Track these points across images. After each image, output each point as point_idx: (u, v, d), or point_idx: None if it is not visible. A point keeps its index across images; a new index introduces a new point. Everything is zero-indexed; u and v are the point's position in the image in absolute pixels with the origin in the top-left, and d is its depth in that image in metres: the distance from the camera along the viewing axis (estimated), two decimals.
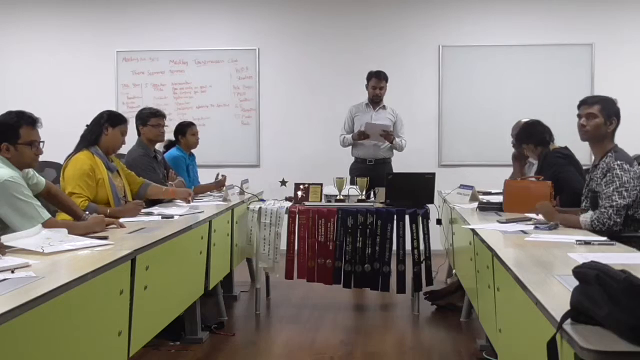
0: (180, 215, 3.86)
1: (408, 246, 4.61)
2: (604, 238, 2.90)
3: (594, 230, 3.16)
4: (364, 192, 4.90)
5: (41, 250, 2.52)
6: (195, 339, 3.96)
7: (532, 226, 3.24)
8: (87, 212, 3.53)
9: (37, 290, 1.94)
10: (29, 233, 2.73)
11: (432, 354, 3.86)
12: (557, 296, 1.80)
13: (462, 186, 4.85)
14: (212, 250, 4.03)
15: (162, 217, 3.76)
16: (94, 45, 7.29)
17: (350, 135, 6.12)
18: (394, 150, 6.15)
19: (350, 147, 6.19)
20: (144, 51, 7.26)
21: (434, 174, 4.77)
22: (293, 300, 5.08)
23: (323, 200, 4.84)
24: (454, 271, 5.11)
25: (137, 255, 2.67)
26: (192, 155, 5.65)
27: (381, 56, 6.84)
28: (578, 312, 1.56)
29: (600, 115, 3.32)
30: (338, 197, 4.82)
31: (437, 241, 5.20)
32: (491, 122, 6.92)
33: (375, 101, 6.11)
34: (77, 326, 2.18)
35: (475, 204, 4.29)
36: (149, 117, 4.82)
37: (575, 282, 1.63)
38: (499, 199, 4.32)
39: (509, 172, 5.02)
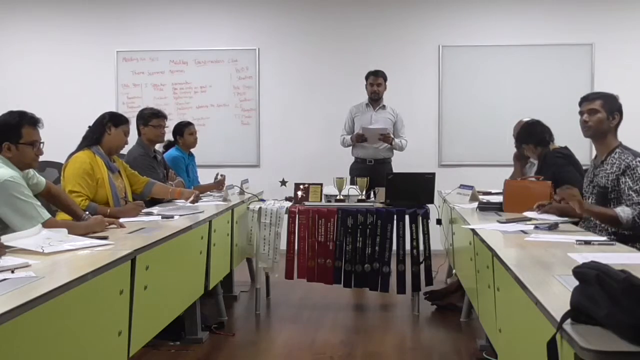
0: (180, 216, 3.86)
1: (408, 246, 4.61)
2: (604, 238, 2.90)
3: (634, 226, 3.15)
4: (364, 192, 4.90)
5: (41, 250, 2.52)
6: (195, 339, 3.96)
7: (532, 226, 3.24)
8: (87, 212, 3.53)
9: (37, 290, 1.94)
10: (29, 233, 2.73)
11: (432, 354, 3.86)
12: (557, 296, 1.80)
13: (462, 186, 4.85)
14: (212, 250, 4.03)
15: (162, 217, 3.76)
16: (94, 45, 7.29)
17: (349, 137, 6.13)
18: (395, 150, 6.15)
19: (351, 147, 6.20)
20: (144, 51, 7.26)
21: (434, 174, 4.77)
22: (293, 300, 5.08)
23: (323, 200, 4.84)
24: (454, 271, 5.11)
25: (137, 255, 2.67)
26: (191, 155, 5.65)
27: (381, 56, 6.83)
28: (578, 312, 1.56)
29: (602, 111, 3.30)
30: (338, 197, 4.82)
31: (437, 241, 5.20)
32: (491, 122, 6.92)
33: (374, 99, 6.12)
34: (77, 326, 2.18)
35: (475, 204, 4.29)
36: (151, 118, 4.83)
37: (575, 282, 1.63)
38: (499, 199, 4.32)
39: (509, 172, 5.02)
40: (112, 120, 4.09)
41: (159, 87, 7.29)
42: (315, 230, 4.65)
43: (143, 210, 3.93)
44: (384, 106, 6.16)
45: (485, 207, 4.13)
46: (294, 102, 7.22)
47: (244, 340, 4.16)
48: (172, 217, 3.79)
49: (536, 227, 3.20)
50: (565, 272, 1.98)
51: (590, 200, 3.45)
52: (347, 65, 7.04)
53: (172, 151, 5.46)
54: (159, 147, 5.30)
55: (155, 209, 4.10)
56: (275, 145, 7.22)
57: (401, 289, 4.69)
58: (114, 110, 5.34)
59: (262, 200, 5.09)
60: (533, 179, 4.15)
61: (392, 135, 6.03)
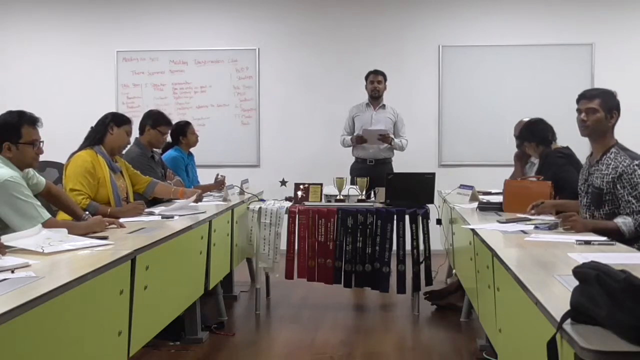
0: (180, 216, 3.86)
1: (408, 246, 4.61)
2: (604, 238, 2.89)
3: (636, 233, 3.11)
4: (364, 192, 4.90)
5: (41, 250, 2.52)
6: (195, 339, 3.96)
7: (532, 226, 3.24)
8: (87, 212, 3.53)
9: (37, 290, 1.94)
10: (29, 233, 2.73)
11: (432, 354, 3.86)
12: (557, 296, 1.80)
13: (462, 186, 4.85)
14: (212, 250, 4.03)
15: (162, 217, 3.76)
16: (94, 45, 7.29)
17: (349, 138, 6.13)
18: (395, 150, 6.15)
19: (351, 147, 6.20)
20: (144, 51, 7.25)
21: (434, 174, 4.77)
22: (293, 300, 5.08)
23: (323, 200, 4.84)
24: (454, 271, 5.11)
25: (137, 255, 2.67)
26: (190, 155, 5.64)
27: (381, 56, 6.84)
28: (578, 312, 1.56)
29: (601, 110, 3.25)
30: (338, 197, 4.82)
31: (437, 241, 5.20)
32: (491, 122, 6.92)
33: (374, 97, 6.13)
34: (77, 326, 2.18)
35: (475, 204, 4.29)
36: (161, 124, 4.80)
37: (575, 282, 1.63)
38: (499, 199, 4.32)
39: (509, 172, 5.02)
40: (115, 121, 4.09)
41: (159, 87, 7.29)
42: (315, 230, 4.65)
43: (145, 210, 3.93)
44: (384, 106, 6.16)
45: (485, 207, 4.13)
46: (294, 102, 7.22)
47: (244, 340, 4.16)
48: (172, 217, 3.79)
49: (536, 227, 3.20)
50: (565, 272, 1.98)
51: (584, 200, 3.44)
52: (347, 65, 7.04)
53: (172, 152, 5.46)
54: None
55: (156, 209, 4.10)
56: (275, 145, 7.22)
57: (401, 289, 4.69)
58: (114, 110, 5.35)
59: (262, 200, 5.09)
60: (533, 179, 4.15)
61: (391, 136, 6.03)
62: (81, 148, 4.01)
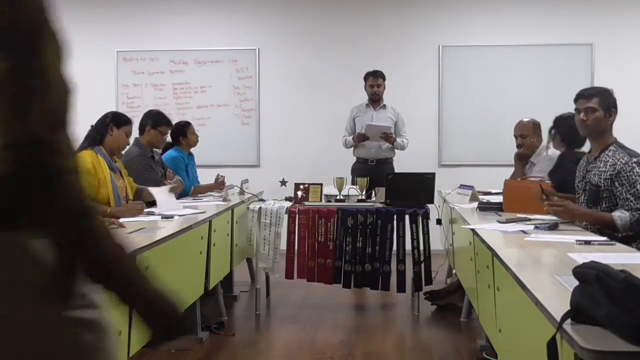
0: (180, 216, 3.86)
1: (408, 246, 4.61)
2: (604, 238, 2.89)
3: (631, 230, 3.13)
4: (364, 192, 4.90)
5: None
6: (195, 339, 3.96)
7: (532, 226, 3.24)
8: None
9: None
10: None
11: (432, 354, 3.86)
12: (557, 296, 1.80)
13: (462, 186, 4.85)
14: (212, 250, 4.03)
15: (162, 217, 3.76)
16: (94, 45, 7.28)
17: (351, 137, 6.13)
18: (396, 150, 6.15)
19: (353, 147, 6.19)
20: (144, 51, 7.26)
21: (434, 174, 4.77)
22: (293, 300, 5.08)
23: (323, 200, 4.84)
24: (454, 271, 5.12)
25: (137, 255, 2.67)
26: (191, 155, 5.64)
27: (381, 56, 6.84)
28: (578, 312, 1.56)
29: (600, 109, 3.26)
30: (338, 197, 4.82)
31: (437, 241, 5.20)
32: (491, 122, 6.92)
33: (374, 100, 6.12)
34: None
35: (475, 204, 4.29)
36: (161, 124, 4.80)
37: (575, 282, 1.63)
38: (499, 199, 4.32)
39: (509, 172, 5.02)
40: (114, 121, 4.09)
41: (159, 87, 7.29)
42: (315, 230, 4.65)
43: (145, 210, 3.93)
44: (384, 106, 6.16)
45: (485, 207, 4.13)
46: (294, 102, 7.22)
47: (244, 340, 4.16)
48: (172, 217, 3.79)
49: (536, 227, 3.20)
50: (565, 272, 1.98)
51: (582, 197, 3.43)
52: (347, 65, 7.04)
53: (172, 152, 5.46)
54: None
55: (155, 209, 4.10)
56: (275, 145, 7.22)
57: (401, 289, 4.69)
58: (114, 110, 5.33)
59: (262, 200, 5.10)
60: (533, 178, 4.15)
61: (394, 135, 6.03)
62: (81, 148, 4.00)
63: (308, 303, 5.02)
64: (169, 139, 5.54)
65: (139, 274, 1.29)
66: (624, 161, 3.20)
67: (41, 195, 1.08)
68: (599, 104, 3.27)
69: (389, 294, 4.89)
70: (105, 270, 1.18)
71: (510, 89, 6.97)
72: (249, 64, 7.22)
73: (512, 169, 4.99)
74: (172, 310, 1.34)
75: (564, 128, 4.33)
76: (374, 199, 4.87)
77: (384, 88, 6.16)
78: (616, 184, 3.20)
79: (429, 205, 4.76)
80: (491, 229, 3.22)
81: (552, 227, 3.17)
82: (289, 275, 4.78)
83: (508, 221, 3.44)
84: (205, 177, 5.84)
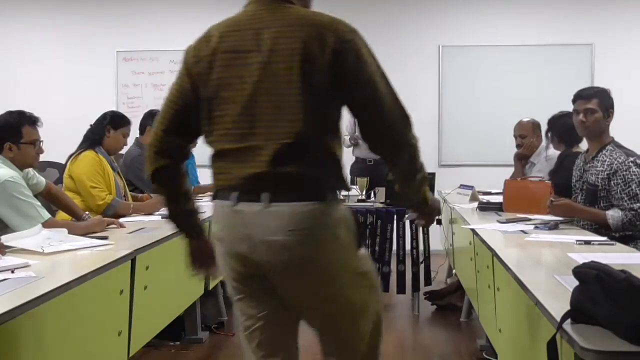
0: None
1: (408, 246, 4.61)
2: (604, 238, 2.90)
3: (623, 229, 3.14)
4: (364, 192, 4.90)
5: (41, 250, 2.52)
6: (195, 339, 3.96)
7: (532, 226, 3.24)
8: (87, 213, 3.52)
9: (37, 290, 1.94)
10: (29, 233, 2.73)
11: (432, 354, 3.86)
12: (557, 296, 1.80)
13: (462, 186, 4.85)
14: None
15: (162, 217, 3.76)
16: (94, 45, 7.28)
17: (348, 138, 6.12)
18: None
19: (352, 147, 6.19)
20: (144, 51, 7.25)
21: (434, 174, 4.76)
22: None
23: None
24: (454, 271, 5.11)
25: (137, 255, 2.67)
26: (191, 155, 5.63)
27: (381, 56, 6.71)
28: (578, 312, 1.56)
29: (599, 110, 3.26)
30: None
31: (437, 241, 5.19)
32: (491, 122, 6.91)
33: None
34: (77, 326, 2.18)
35: (475, 204, 4.29)
36: None
37: (575, 282, 1.63)
38: (499, 199, 4.31)
39: (509, 172, 5.01)
40: (112, 123, 4.09)
41: (159, 87, 7.28)
42: None
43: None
44: None
45: (485, 207, 4.13)
46: None
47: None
48: None
49: (536, 227, 3.20)
50: (565, 272, 1.98)
51: (579, 197, 3.43)
52: None
53: None
54: None
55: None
56: None
57: (401, 289, 4.68)
58: (113, 110, 5.32)
59: None
60: (533, 178, 4.15)
61: None
62: (80, 148, 4.00)
63: None
64: None
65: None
66: (620, 160, 3.20)
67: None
68: (598, 105, 3.27)
69: (388, 294, 4.89)
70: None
71: (510, 89, 6.97)
72: None
73: (512, 169, 4.99)
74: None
75: (559, 128, 4.33)
76: (373, 199, 4.87)
77: None
78: (612, 183, 3.20)
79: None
80: (491, 229, 3.22)
81: (552, 227, 3.17)
82: None
83: (508, 221, 3.44)
84: (205, 177, 5.82)
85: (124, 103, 7.23)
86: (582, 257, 2.32)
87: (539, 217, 3.47)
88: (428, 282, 4.78)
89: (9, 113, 3.11)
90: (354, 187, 5.01)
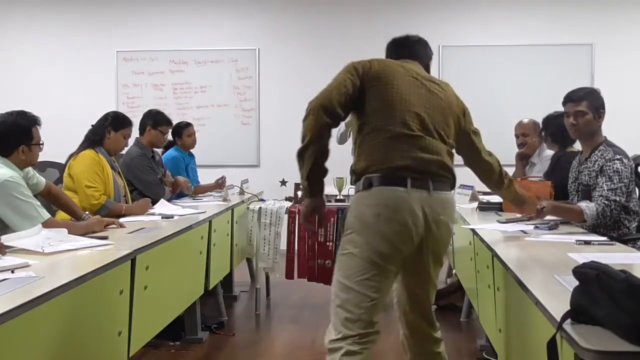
0: (180, 216, 3.86)
1: None
2: (604, 238, 2.90)
3: (597, 220, 3.14)
4: None
5: (41, 250, 2.52)
6: (195, 339, 3.97)
7: (532, 226, 3.24)
8: (87, 213, 3.52)
9: (37, 290, 1.94)
10: (29, 233, 2.73)
11: None
12: (557, 296, 1.80)
13: (462, 186, 4.84)
14: (212, 250, 4.03)
15: (162, 217, 3.77)
16: (94, 45, 7.29)
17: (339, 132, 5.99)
18: None
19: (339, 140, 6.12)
20: (144, 51, 7.26)
21: None
22: (293, 300, 5.08)
23: None
24: (454, 271, 5.11)
25: (137, 255, 2.67)
26: (191, 155, 5.64)
27: (381, 56, 6.80)
28: (578, 312, 1.56)
29: (589, 112, 3.26)
30: (338, 197, 4.82)
31: None
32: (491, 122, 6.88)
33: None
34: (77, 326, 2.18)
35: (475, 204, 4.29)
36: (162, 124, 4.78)
37: (575, 282, 1.63)
38: (499, 199, 4.31)
39: (509, 171, 4.96)
40: (113, 124, 4.10)
41: (159, 87, 7.29)
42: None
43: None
44: None
45: (485, 207, 4.13)
46: (294, 102, 7.19)
47: (244, 340, 4.16)
48: (172, 217, 3.79)
49: (536, 227, 3.20)
50: (565, 272, 1.98)
51: (575, 198, 3.44)
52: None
53: (172, 151, 5.45)
54: None
55: (155, 209, 4.10)
56: (275, 145, 7.21)
57: None
58: (115, 110, 5.32)
59: (262, 200, 5.09)
60: (533, 178, 4.14)
61: None
62: (81, 148, 4.01)
63: (308, 303, 5.02)
64: (170, 137, 5.53)
65: None
66: (607, 157, 3.23)
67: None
68: (587, 106, 3.27)
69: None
70: None
71: (510, 89, 6.97)
72: (249, 64, 7.22)
73: (513, 169, 4.98)
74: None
75: (553, 128, 4.33)
76: None
77: None
78: (599, 177, 3.22)
79: None
80: (491, 229, 3.22)
81: (552, 227, 3.17)
82: (289, 275, 4.78)
83: (508, 221, 3.44)
84: (205, 177, 5.84)
85: (124, 103, 7.23)
86: (582, 257, 2.32)
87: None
88: None
89: (18, 115, 3.08)
90: (354, 187, 5.00)
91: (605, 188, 3.16)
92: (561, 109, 3.63)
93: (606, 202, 3.12)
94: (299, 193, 4.87)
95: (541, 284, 1.99)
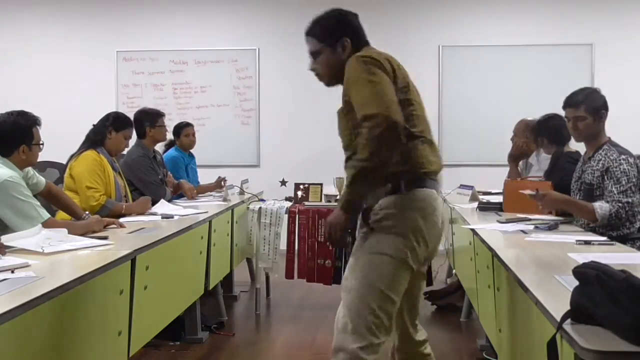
0: (181, 216, 3.86)
1: None
2: (604, 238, 2.90)
3: (608, 222, 3.15)
4: None
5: (41, 250, 2.52)
6: (195, 339, 3.96)
7: (532, 226, 3.24)
8: (87, 212, 3.52)
9: (37, 290, 1.94)
10: (29, 233, 2.73)
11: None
12: (557, 296, 1.80)
13: (462, 186, 4.85)
14: (212, 250, 4.03)
15: (162, 217, 3.76)
16: (94, 45, 7.29)
17: None
18: None
19: None
20: (144, 51, 7.26)
21: None
22: (293, 300, 5.08)
23: (323, 200, 4.84)
24: (454, 271, 5.11)
25: (137, 255, 2.67)
26: (191, 156, 5.64)
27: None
28: (578, 312, 1.56)
29: (588, 116, 3.29)
30: (338, 197, 4.82)
31: None
32: (491, 122, 6.91)
33: None
34: (77, 326, 2.18)
35: (475, 204, 4.29)
36: (157, 118, 4.76)
37: (575, 282, 1.63)
38: (499, 199, 4.31)
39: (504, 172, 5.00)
40: (114, 125, 4.10)
41: (159, 87, 7.29)
42: (315, 231, 4.65)
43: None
44: None
45: (485, 207, 4.13)
46: (294, 102, 7.22)
47: (244, 340, 4.16)
48: (172, 217, 3.79)
49: (536, 227, 3.20)
50: (565, 272, 1.98)
51: (577, 196, 3.45)
52: None
53: (172, 151, 5.45)
54: (159, 146, 5.26)
55: (155, 209, 4.09)
56: (275, 145, 7.21)
57: None
58: (114, 110, 5.32)
59: (262, 200, 5.09)
60: (533, 179, 4.15)
61: None
62: (82, 148, 4.01)
63: (308, 303, 5.02)
64: (170, 136, 5.52)
65: None
66: (612, 158, 3.25)
67: None
68: (586, 111, 3.30)
69: None
70: None
71: (510, 89, 6.97)
72: (249, 64, 7.22)
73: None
74: None
75: (547, 130, 4.36)
76: None
77: None
78: (605, 178, 3.23)
79: None
80: (491, 229, 3.22)
81: (552, 227, 3.17)
82: (289, 275, 4.78)
83: (508, 221, 3.44)
84: (205, 177, 5.84)
85: (124, 103, 7.23)
86: (582, 257, 2.32)
87: (539, 217, 3.47)
88: (429, 282, 4.77)
89: (16, 115, 3.09)
90: None
91: (616, 191, 3.17)
92: (552, 110, 3.65)
93: (620, 204, 3.14)
94: (299, 193, 4.88)
95: (541, 284, 1.99)
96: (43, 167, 5.01)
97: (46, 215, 3.03)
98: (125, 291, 2.58)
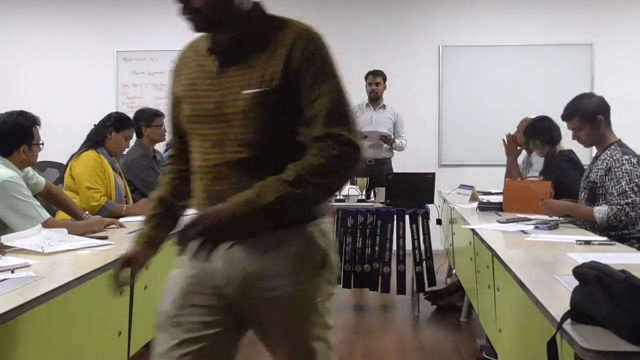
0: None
1: (408, 246, 4.60)
2: (604, 238, 2.90)
3: (608, 225, 3.16)
4: (364, 192, 4.90)
5: (41, 250, 2.52)
6: None
7: (532, 226, 3.24)
8: (87, 213, 3.52)
9: (37, 290, 1.94)
10: (29, 233, 2.73)
11: (432, 354, 3.86)
12: (557, 296, 1.80)
13: (462, 186, 4.85)
14: None
15: None
16: (94, 45, 7.28)
17: None
18: (395, 150, 6.15)
19: None
20: (144, 51, 7.25)
21: (434, 174, 4.77)
22: None
23: None
24: (454, 271, 5.11)
25: None
26: None
27: (381, 56, 6.82)
28: (578, 312, 1.56)
29: (583, 125, 3.37)
30: (338, 197, 4.82)
31: (437, 241, 5.19)
32: (491, 122, 6.91)
33: (373, 98, 6.13)
34: (77, 326, 2.18)
35: (475, 204, 4.29)
36: (153, 118, 4.76)
37: (575, 282, 1.63)
38: (499, 199, 4.32)
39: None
40: (115, 125, 4.09)
41: (159, 87, 7.29)
42: None
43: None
44: (384, 106, 6.16)
45: (485, 207, 4.13)
46: None
47: (244, 340, 4.15)
48: None
49: (536, 227, 3.21)
50: (565, 272, 1.98)
51: (582, 194, 3.47)
52: (346, 65, 6.89)
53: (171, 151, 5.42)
54: (160, 146, 5.24)
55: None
56: None
57: (401, 290, 4.68)
58: (114, 110, 5.32)
59: None
60: (532, 178, 4.15)
61: (392, 137, 6.03)
62: (82, 148, 4.00)
63: None
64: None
65: None
66: (615, 158, 3.28)
67: None
68: (580, 120, 3.38)
69: (389, 294, 4.89)
70: None
71: (510, 89, 6.97)
72: None
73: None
74: None
75: (538, 133, 4.41)
76: (373, 199, 4.87)
77: (384, 88, 6.16)
78: (607, 179, 3.26)
79: (429, 205, 4.76)
80: (491, 229, 3.23)
81: (552, 227, 3.17)
82: None
83: (508, 221, 3.44)
84: None
85: (124, 103, 7.23)
86: (582, 257, 2.32)
87: (539, 217, 3.48)
88: (432, 282, 4.76)
89: (16, 115, 3.09)
90: (354, 187, 5.01)
91: (615, 193, 3.19)
92: (552, 110, 3.72)
93: (619, 207, 3.16)
94: None
95: (541, 284, 1.99)
96: (43, 167, 5.01)
97: (46, 215, 3.03)
98: (125, 291, 2.58)
